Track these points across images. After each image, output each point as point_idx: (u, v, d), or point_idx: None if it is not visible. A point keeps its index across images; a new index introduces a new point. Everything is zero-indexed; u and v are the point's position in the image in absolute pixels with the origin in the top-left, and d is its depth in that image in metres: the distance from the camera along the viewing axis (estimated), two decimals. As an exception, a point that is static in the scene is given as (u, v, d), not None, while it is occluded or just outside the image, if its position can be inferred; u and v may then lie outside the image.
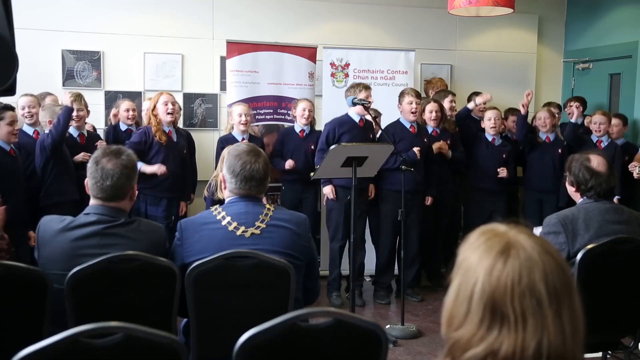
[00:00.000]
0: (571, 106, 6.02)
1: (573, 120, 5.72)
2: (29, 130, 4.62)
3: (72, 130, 4.81)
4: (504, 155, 5.57)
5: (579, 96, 6.46)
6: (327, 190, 5.13)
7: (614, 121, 5.76)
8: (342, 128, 5.04)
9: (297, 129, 5.42)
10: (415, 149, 5.02)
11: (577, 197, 2.97)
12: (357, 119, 5.10)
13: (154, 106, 4.85)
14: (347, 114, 5.15)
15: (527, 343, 1.06)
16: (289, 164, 5.25)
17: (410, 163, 4.59)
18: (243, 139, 5.08)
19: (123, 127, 5.39)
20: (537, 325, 1.06)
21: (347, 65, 5.95)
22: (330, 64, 5.91)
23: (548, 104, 6.22)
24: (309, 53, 5.87)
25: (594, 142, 5.59)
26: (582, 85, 7.08)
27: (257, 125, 5.65)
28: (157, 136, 4.79)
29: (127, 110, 5.37)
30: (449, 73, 6.87)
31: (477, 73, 6.85)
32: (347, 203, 5.07)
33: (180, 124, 5.61)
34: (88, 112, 5.10)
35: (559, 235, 2.82)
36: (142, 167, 4.63)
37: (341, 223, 5.15)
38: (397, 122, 5.22)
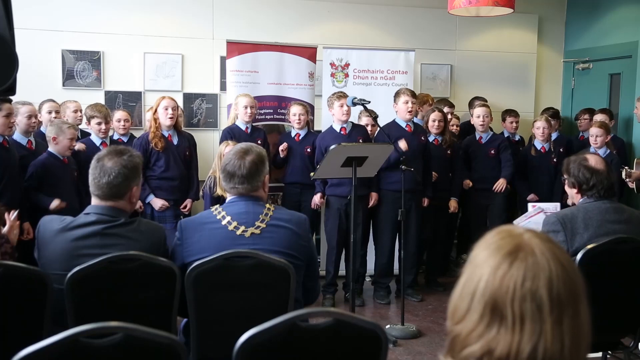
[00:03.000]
0: (585, 119, 6.00)
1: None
2: (23, 141, 4.52)
3: (96, 139, 4.99)
4: (492, 151, 5.60)
5: (591, 109, 6.35)
6: (316, 199, 5.19)
7: (601, 117, 5.80)
8: (325, 141, 5.05)
9: (293, 132, 5.42)
10: (401, 143, 4.95)
11: (577, 199, 2.96)
12: (338, 128, 5.13)
13: (155, 110, 4.92)
14: (331, 126, 5.20)
15: (522, 346, 1.06)
16: (283, 146, 5.28)
17: (402, 156, 4.59)
18: (247, 127, 5.19)
19: (115, 137, 5.33)
20: (535, 330, 1.07)
21: (347, 65, 5.94)
22: (330, 64, 5.91)
23: (547, 110, 6.23)
24: (309, 53, 5.86)
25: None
26: (582, 85, 7.08)
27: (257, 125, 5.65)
28: (154, 143, 4.86)
29: (119, 121, 5.28)
30: (449, 73, 6.87)
31: (477, 73, 6.85)
32: (341, 213, 5.11)
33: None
34: (108, 123, 5.14)
35: (557, 234, 2.82)
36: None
37: (335, 235, 5.16)
38: (393, 122, 5.22)
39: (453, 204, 5.56)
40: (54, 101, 5.13)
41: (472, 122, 5.92)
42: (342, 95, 5.06)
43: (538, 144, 5.72)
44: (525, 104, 6.94)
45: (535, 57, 7.10)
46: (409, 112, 5.12)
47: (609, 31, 6.64)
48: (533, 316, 1.07)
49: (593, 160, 2.90)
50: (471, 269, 1.15)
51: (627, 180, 4.98)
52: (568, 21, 7.24)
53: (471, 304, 1.12)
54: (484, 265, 1.12)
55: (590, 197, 2.90)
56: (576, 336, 1.10)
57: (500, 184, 5.57)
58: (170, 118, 4.89)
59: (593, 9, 6.85)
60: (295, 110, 5.34)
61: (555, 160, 5.66)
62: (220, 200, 4.59)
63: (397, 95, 5.20)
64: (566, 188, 3.02)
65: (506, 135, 6.03)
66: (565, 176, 3.00)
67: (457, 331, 1.13)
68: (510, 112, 6.09)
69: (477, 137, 5.67)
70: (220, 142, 5.18)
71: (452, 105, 6.10)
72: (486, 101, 6.15)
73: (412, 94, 5.18)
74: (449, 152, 5.50)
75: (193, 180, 5.18)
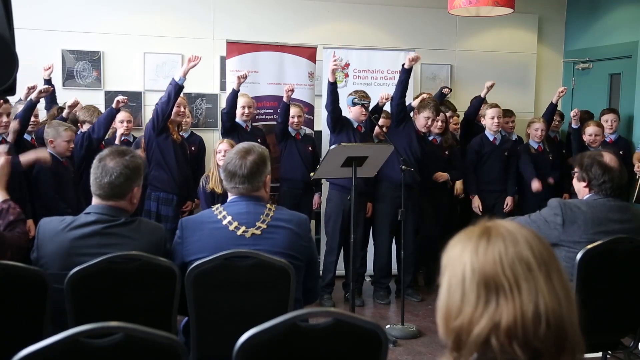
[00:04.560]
0: (607, 121, 5.93)
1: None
2: (27, 137, 4.51)
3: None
4: (505, 153, 5.60)
5: (613, 109, 6.23)
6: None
7: (611, 116, 5.77)
8: (344, 125, 5.06)
9: (293, 132, 5.41)
10: (383, 95, 5.07)
11: (584, 193, 2.95)
12: (355, 124, 5.13)
13: None
14: (348, 119, 5.17)
15: (525, 307, 1.09)
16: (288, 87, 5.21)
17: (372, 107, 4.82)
18: (247, 126, 5.21)
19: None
20: (531, 289, 1.11)
21: (347, 65, 5.95)
22: (331, 64, 5.90)
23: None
24: (309, 53, 5.87)
25: None
26: (582, 85, 7.08)
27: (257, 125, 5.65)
28: (172, 132, 4.86)
29: (122, 122, 5.28)
30: (449, 73, 6.87)
31: (477, 73, 6.84)
32: (345, 213, 5.06)
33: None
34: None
35: (556, 217, 2.83)
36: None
37: (337, 235, 5.13)
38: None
39: (459, 185, 5.61)
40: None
41: (482, 122, 5.93)
42: (364, 96, 5.02)
43: (534, 144, 5.73)
44: (525, 104, 6.94)
45: (535, 57, 7.10)
46: (426, 126, 5.14)
47: (609, 31, 6.64)
48: (526, 276, 1.11)
49: (608, 158, 2.90)
50: (450, 268, 1.18)
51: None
52: (568, 21, 7.24)
53: (464, 291, 1.14)
54: (462, 255, 1.16)
55: (598, 194, 2.89)
56: (566, 290, 1.14)
57: (510, 205, 5.60)
58: (179, 115, 4.91)
59: (593, 9, 6.85)
60: (293, 112, 5.34)
61: (551, 158, 5.68)
62: (213, 194, 4.62)
63: (422, 107, 5.16)
64: (575, 182, 3.00)
65: (504, 134, 6.04)
66: (576, 169, 2.98)
67: (459, 324, 1.14)
68: (506, 113, 6.10)
69: (492, 139, 5.63)
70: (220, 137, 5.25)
71: (454, 109, 6.09)
72: (486, 102, 6.15)
73: (437, 111, 5.17)
74: (446, 152, 5.49)
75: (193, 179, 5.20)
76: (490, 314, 1.10)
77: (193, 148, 5.51)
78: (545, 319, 1.09)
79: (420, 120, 5.15)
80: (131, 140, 5.27)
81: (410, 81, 5.97)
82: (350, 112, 5.11)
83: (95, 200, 2.46)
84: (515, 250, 1.13)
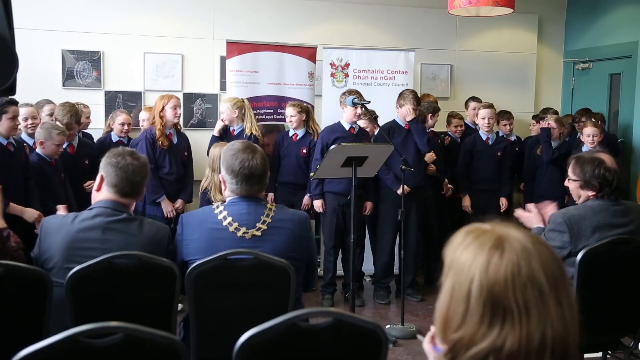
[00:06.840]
0: (584, 121, 5.92)
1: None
2: (29, 141, 4.47)
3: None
4: (498, 153, 5.61)
5: (587, 109, 6.26)
6: (317, 205, 5.16)
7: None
8: (334, 135, 5.04)
9: (291, 132, 5.41)
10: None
11: (585, 198, 2.91)
12: (347, 126, 5.09)
13: (162, 107, 4.90)
14: (339, 122, 5.15)
15: (532, 335, 1.04)
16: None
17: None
18: (233, 129, 5.22)
19: (115, 138, 5.36)
20: (541, 315, 1.05)
21: (347, 65, 5.94)
22: (330, 64, 5.91)
23: (547, 111, 6.25)
24: (309, 53, 5.86)
25: None
26: (582, 85, 7.08)
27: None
28: (160, 142, 4.91)
29: (123, 125, 5.33)
30: (449, 73, 6.86)
31: (477, 73, 6.85)
32: (338, 213, 5.10)
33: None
34: (80, 124, 5.01)
35: (563, 235, 2.82)
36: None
37: (333, 233, 5.15)
38: (393, 121, 5.23)
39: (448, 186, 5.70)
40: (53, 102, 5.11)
41: (475, 122, 5.93)
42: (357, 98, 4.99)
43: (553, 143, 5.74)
44: (525, 104, 6.94)
45: (535, 57, 7.09)
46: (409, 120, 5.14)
47: (609, 31, 6.64)
48: (537, 302, 1.05)
49: (609, 161, 2.87)
50: (456, 273, 1.12)
51: None
52: (568, 21, 7.24)
53: (467, 307, 1.08)
54: (471, 265, 1.09)
55: (600, 199, 2.86)
56: (572, 311, 1.09)
57: (504, 206, 5.61)
58: (177, 117, 4.98)
59: (593, 9, 6.85)
60: (287, 112, 5.35)
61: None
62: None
63: (403, 99, 5.12)
64: (577, 189, 2.94)
65: (501, 135, 6.04)
66: (575, 177, 2.93)
67: (458, 337, 1.10)
68: (503, 115, 6.10)
69: (484, 138, 5.66)
70: (210, 142, 5.22)
71: (460, 118, 6.10)
72: (481, 101, 6.15)
73: (417, 102, 5.14)
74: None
75: (189, 180, 5.21)
76: (493, 337, 1.05)
77: (186, 153, 5.48)
78: (550, 347, 1.04)
79: (403, 111, 5.14)
80: (126, 142, 5.26)
81: (410, 80, 6.01)
82: (343, 112, 5.07)
83: (108, 196, 2.48)
84: (529, 272, 1.06)
